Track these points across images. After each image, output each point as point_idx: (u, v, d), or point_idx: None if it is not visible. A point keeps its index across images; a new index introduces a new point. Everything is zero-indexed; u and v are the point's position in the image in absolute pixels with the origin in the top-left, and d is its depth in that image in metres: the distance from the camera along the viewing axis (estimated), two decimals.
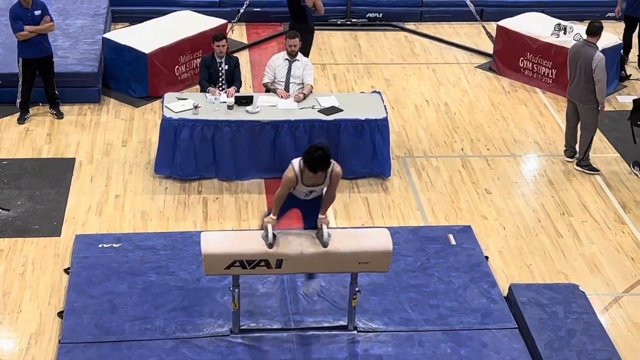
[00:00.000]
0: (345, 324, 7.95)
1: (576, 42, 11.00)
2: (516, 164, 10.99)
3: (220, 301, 8.18)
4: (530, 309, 8.11)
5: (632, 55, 13.50)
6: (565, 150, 11.05)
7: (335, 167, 7.40)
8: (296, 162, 7.35)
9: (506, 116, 12.10)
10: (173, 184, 10.25)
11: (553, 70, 12.59)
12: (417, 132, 11.58)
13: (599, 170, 10.76)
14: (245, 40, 14.13)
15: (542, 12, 14.03)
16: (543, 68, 12.79)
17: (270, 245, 7.30)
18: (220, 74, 10.77)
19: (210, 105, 10.31)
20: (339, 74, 13.15)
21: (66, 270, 8.70)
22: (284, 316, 8.08)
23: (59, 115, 11.56)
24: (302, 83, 10.63)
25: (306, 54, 11.59)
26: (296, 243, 7.38)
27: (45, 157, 10.72)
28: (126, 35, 12.39)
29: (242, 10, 14.22)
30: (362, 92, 12.09)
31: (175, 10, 13.46)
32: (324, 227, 7.37)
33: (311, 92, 10.64)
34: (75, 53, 12.27)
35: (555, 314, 8.05)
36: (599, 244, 9.53)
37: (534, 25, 13.13)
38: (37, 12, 11.07)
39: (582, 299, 8.28)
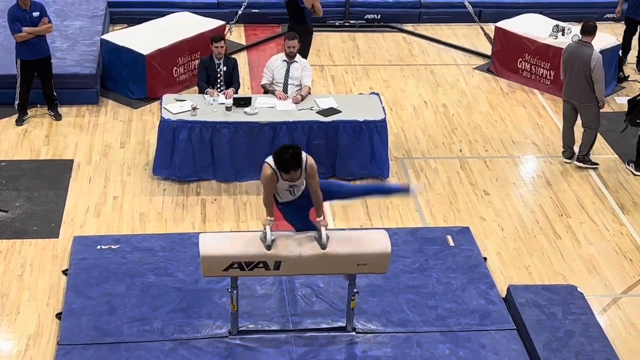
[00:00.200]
0: (344, 325, 7.95)
1: (570, 42, 11.04)
2: (514, 165, 11.00)
3: (218, 302, 8.18)
4: (529, 310, 8.11)
5: (631, 57, 13.51)
6: (563, 152, 11.06)
7: (309, 159, 7.39)
8: (270, 160, 7.35)
9: (504, 117, 12.11)
10: (171, 185, 10.25)
11: (551, 71, 12.60)
12: (416, 134, 11.59)
13: (598, 164, 10.84)
14: (243, 42, 14.14)
15: (540, 13, 14.04)
16: (541, 69, 12.80)
17: (269, 247, 7.30)
18: (219, 75, 10.77)
19: (209, 107, 10.31)
20: (337, 76, 13.16)
21: (64, 272, 8.70)
22: (282, 317, 8.08)
23: (57, 117, 11.56)
24: (301, 84, 10.64)
25: (305, 56, 11.59)
26: (294, 245, 7.38)
27: (44, 158, 10.72)
28: (124, 37, 12.39)
29: (240, 12, 14.22)
30: (361, 93, 12.10)
31: (173, 12, 13.47)
32: (323, 229, 7.36)
33: (309, 93, 10.65)
34: (74, 54, 12.28)
35: (554, 315, 8.05)
36: (597, 245, 9.53)
37: (532, 26, 13.14)
38: (36, 14, 11.08)
39: (581, 300, 8.28)
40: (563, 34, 12.62)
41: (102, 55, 12.40)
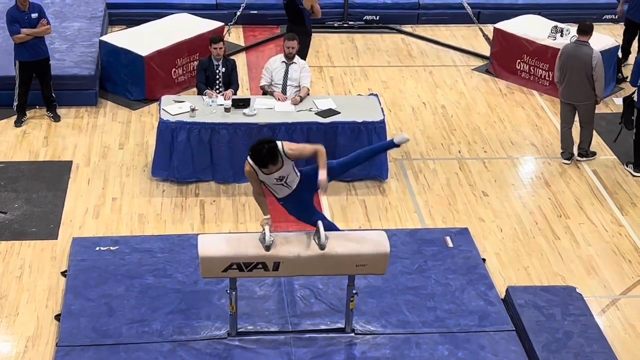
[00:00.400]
0: (343, 326, 7.95)
1: (567, 43, 11.07)
2: (513, 166, 11.00)
3: (217, 304, 8.18)
4: (528, 311, 8.11)
5: (631, 58, 13.50)
6: (562, 153, 11.07)
7: (284, 145, 7.42)
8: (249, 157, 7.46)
9: (503, 118, 12.11)
10: (170, 186, 10.24)
11: (550, 72, 12.60)
12: (414, 135, 11.59)
13: (596, 152, 11.11)
14: (242, 43, 14.14)
15: (538, 14, 14.04)
16: (540, 70, 12.81)
17: (268, 248, 7.30)
18: (218, 76, 10.77)
19: (208, 108, 10.31)
20: (336, 77, 13.16)
21: (63, 273, 8.69)
22: (281, 319, 8.08)
23: (56, 118, 11.55)
24: (299, 85, 10.64)
25: (303, 57, 11.60)
26: (293, 245, 7.38)
27: (42, 159, 10.71)
28: (123, 38, 12.39)
29: (239, 13, 14.21)
30: (359, 94, 12.11)
31: (172, 13, 13.47)
32: (321, 228, 7.34)
33: (308, 94, 10.65)
34: (72, 56, 12.28)
35: (553, 316, 8.05)
36: (596, 246, 9.53)
37: (531, 27, 13.14)
38: (34, 15, 11.08)
39: (580, 301, 8.28)
40: (562, 35, 12.63)
41: (100, 56, 12.40)
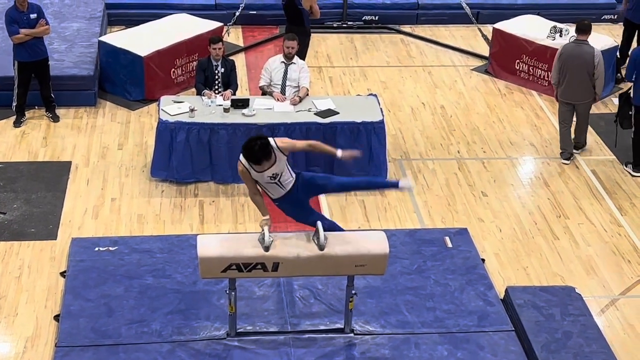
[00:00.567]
0: (342, 326, 7.95)
1: (566, 43, 11.08)
2: (512, 167, 11.00)
3: (216, 304, 8.18)
4: (527, 311, 8.11)
5: None
6: (561, 153, 11.07)
7: (277, 141, 7.47)
8: (242, 156, 7.47)
9: (502, 118, 12.12)
10: (169, 187, 10.24)
11: (549, 72, 12.57)
12: (414, 135, 11.59)
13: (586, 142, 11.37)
14: (241, 43, 14.14)
15: (537, 14, 14.04)
16: (539, 70, 12.81)
17: (267, 248, 7.30)
18: (217, 76, 10.77)
19: (207, 108, 10.31)
20: (335, 77, 13.16)
21: (62, 274, 8.69)
22: (280, 319, 8.08)
23: (55, 119, 11.55)
24: (298, 86, 10.64)
25: (302, 57, 11.60)
26: (292, 246, 7.38)
27: (42, 160, 10.71)
28: (122, 38, 12.39)
29: (238, 13, 14.21)
30: (359, 94, 12.11)
31: (171, 13, 13.46)
32: (321, 228, 7.34)
33: (307, 95, 10.65)
34: (71, 56, 12.27)
35: (552, 317, 8.05)
36: (596, 246, 9.53)
37: (530, 27, 13.15)
38: (33, 15, 11.07)
39: (579, 301, 8.28)
40: (561, 35, 12.63)
41: (99, 57, 12.39)
